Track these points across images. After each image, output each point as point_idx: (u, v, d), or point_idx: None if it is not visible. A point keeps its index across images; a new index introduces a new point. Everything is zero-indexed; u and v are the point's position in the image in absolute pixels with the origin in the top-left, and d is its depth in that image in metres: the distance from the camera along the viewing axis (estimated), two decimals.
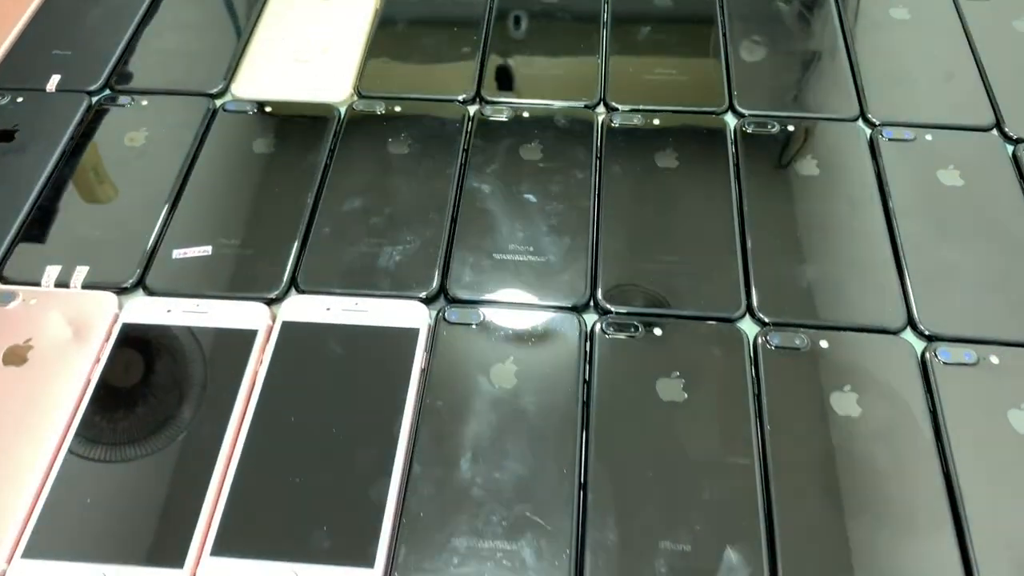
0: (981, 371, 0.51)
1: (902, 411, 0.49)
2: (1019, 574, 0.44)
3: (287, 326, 0.53)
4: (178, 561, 0.44)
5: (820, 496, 0.46)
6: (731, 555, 0.44)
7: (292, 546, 0.45)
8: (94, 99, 0.68)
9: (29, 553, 0.45)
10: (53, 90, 0.68)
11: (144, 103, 0.67)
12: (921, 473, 0.47)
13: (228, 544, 0.45)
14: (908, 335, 0.53)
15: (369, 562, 0.44)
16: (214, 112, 0.66)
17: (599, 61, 0.69)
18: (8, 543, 0.45)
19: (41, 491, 0.47)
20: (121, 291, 0.56)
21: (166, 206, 0.60)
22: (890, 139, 0.63)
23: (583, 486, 0.47)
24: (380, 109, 0.66)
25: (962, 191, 0.60)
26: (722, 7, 0.73)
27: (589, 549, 0.44)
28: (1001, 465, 0.47)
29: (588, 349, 0.52)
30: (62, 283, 0.56)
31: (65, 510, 0.46)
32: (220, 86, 0.68)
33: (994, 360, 0.51)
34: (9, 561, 0.45)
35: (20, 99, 0.67)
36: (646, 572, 0.44)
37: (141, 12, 0.74)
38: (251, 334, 0.53)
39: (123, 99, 0.67)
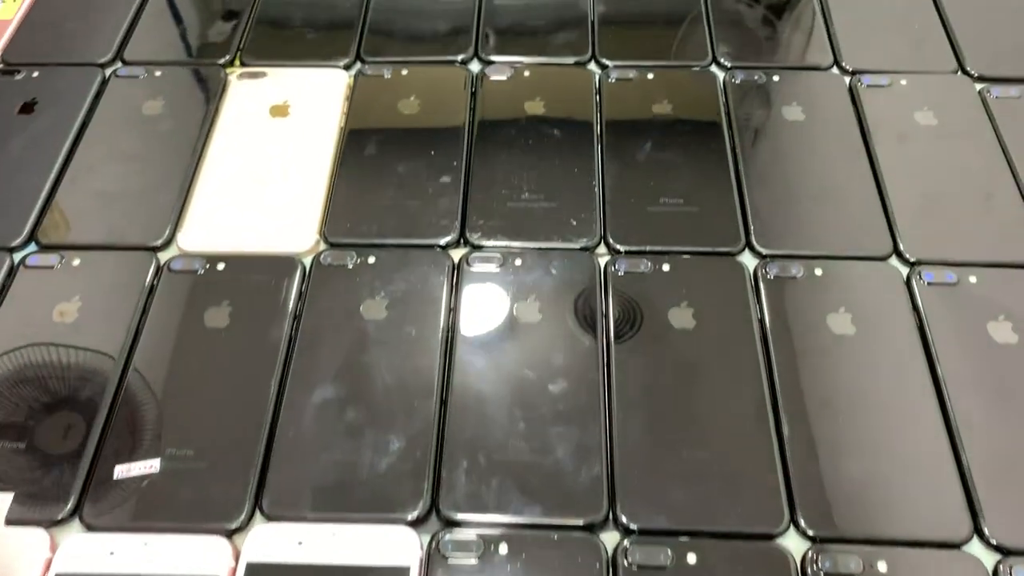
0: None
1: None
2: None
3: (252, 569, 0.45)
4: None
5: None
6: None
7: None
8: (16, 257, 0.58)
9: None
10: None
11: (76, 263, 0.58)
12: None
13: None
14: (977, 548, 0.46)
15: None
16: (159, 271, 0.57)
17: (596, 190, 0.61)
18: None
19: None
20: (54, 524, 0.47)
21: (106, 408, 0.51)
22: (930, 283, 0.56)
23: None
24: (351, 261, 0.58)
25: (1018, 350, 0.53)
26: (730, 120, 0.65)
27: None
28: None
29: None
30: None
31: None
32: (164, 238, 0.59)
33: None
34: None
35: None
36: None
37: (68, 144, 0.64)
38: None
39: (51, 258, 0.58)
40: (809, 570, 0.45)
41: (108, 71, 0.70)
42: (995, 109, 0.66)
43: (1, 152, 0.64)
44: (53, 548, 0.46)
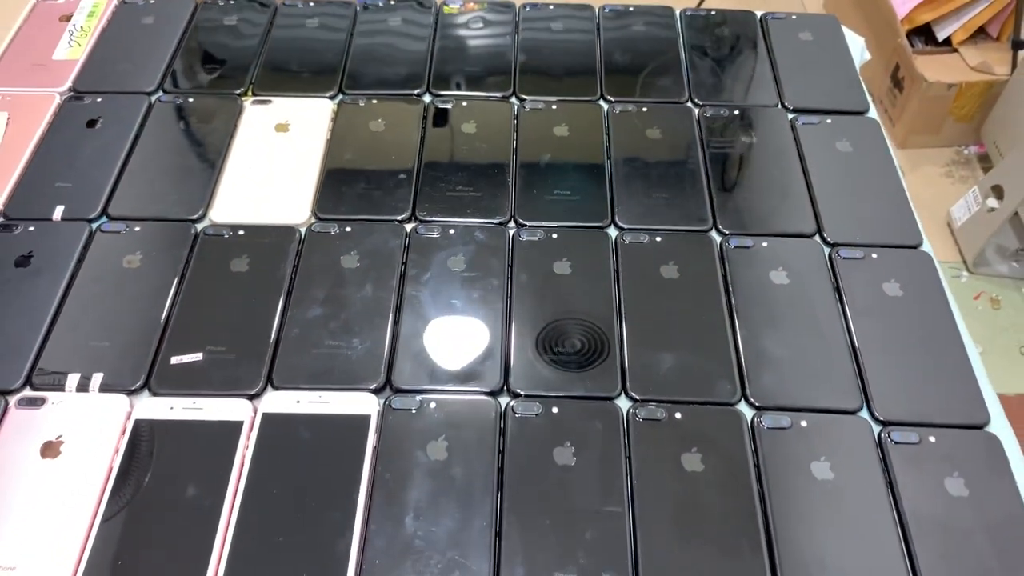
0: None
1: None
2: None
3: (267, 418, 0.68)
4: None
5: None
6: None
7: None
8: (94, 226, 0.82)
9: None
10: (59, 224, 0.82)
11: (137, 229, 0.81)
12: None
13: None
14: None
15: None
16: (196, 236, 0.81)
17: (509, 184, 0.86)
18: None
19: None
20: (130, 392, 0.70)
21: (163, 318, 0.74)
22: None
23: None
24: (334, 230, 0.82)
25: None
26: (609, 139, 0.91)
27: None
28: None
29: None
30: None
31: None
32: (200, 212, 0.83)
33: None
34: None
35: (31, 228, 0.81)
36: None
37: (129, 140, 0.88)
38: (238, 425, 0.68)
39: (119, 225, 0.81)
40: None
41: (153, 98, 0.94)
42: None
43: (82, 148, 0.87)
44: (132, 405, 0.69)
